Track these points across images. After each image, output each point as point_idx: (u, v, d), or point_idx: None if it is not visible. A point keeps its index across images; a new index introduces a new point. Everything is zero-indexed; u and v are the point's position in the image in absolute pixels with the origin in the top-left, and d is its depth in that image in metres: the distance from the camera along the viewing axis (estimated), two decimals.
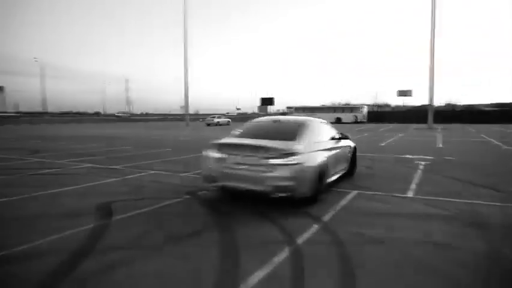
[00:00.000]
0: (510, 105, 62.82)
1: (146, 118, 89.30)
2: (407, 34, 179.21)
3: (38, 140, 20.08)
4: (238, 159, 5.45)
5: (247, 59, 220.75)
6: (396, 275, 3.26)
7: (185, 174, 8.60)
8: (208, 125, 44.92)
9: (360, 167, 10.01)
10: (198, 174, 8.53)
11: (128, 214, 5.08)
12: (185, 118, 48.79)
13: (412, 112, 59.18)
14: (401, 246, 3.90)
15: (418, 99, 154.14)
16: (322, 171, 5.86)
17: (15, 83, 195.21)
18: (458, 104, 72.83)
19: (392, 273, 3.29)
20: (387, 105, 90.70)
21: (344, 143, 7.77)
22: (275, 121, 6.97)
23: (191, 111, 54.57)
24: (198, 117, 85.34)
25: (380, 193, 6.53)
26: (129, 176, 8.26)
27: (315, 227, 4.56)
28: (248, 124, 7.16)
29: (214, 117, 47.36)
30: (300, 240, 4.08)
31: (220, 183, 5.68)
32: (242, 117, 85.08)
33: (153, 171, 8.95)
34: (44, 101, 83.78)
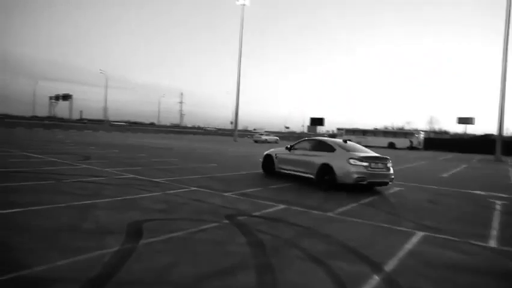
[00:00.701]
0: None
1: (196, 131, 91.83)
2: (463, 56, 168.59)
3: (93, 147, 20.90)
4: (376, 165, 9.35)
5: (298, 77, 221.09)
6: None
7: (228, 194, 8.03)
8: (256, 141, 44.76)
9: (421, 200, 8.86)
10: (241, 194, 7.92)
11: (159, 238, 4.55)
12: (233, 134, 49.15)
13: (474, 141, 54.64)
14: None
15: (480, 127, 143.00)
16: None
17: (81, 92, 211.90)
18: None
19: None
20: (445, 132, 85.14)
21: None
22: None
23: (240, 127, 54.88)
24: (246, 133, 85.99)
25: (452, 238, 5.43)
26: (169, 191, 7.87)
27: (376, 279, 3.68)
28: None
29: (262, 134, 47.21)
30: None
31: (367, 180, 9.09)
32: (290, 136, 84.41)
33: (195, 188, 8.50)
34: (105, 110, 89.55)
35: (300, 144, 11.28)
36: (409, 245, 4.90)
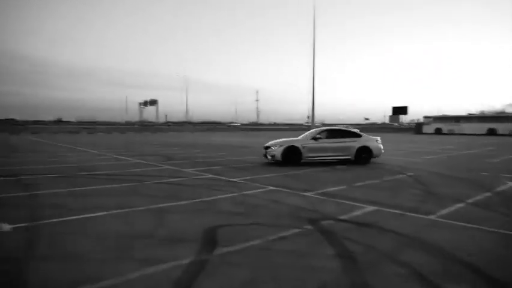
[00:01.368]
0: None
1: (273, 127, 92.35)
2: None
3: (176, 147, 21.84)
4: None
5: (377, 65, 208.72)
6: None
7: (309, 193, 7.34)
8: None
9: None
10: (322, 194, 7.18)
11: (235, 247, 4.08)
12: (311, 128, 47.99)
13: None
14: None
15: None
16: None
17: (166, 96, 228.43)
18: None
19: None
20: None
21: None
22: None
23: (316, 121, 53.44)
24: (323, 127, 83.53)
25: None
26: (246, 192, 7.46)
27: None
28: None
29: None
30: None
31: None
32: (370, 128, 79.88)
33: (273, 187, 7.98)
34: (186, 112, 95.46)
35: (322, 134, 13.10)
36: None
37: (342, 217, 5.50)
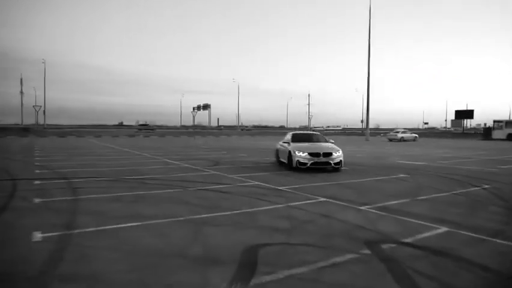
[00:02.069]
0: None
1: (326, 131, 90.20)
2: None
3: (224, 151, 21.69)
4: None
5: (438, 66, 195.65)
6: None
7: (364, 207, 6.47)
8: (391, 140, 40.54)
9: None
10: (381, 208, 6.26)
11: (277, 275, 3.41)
12: (365, 132, 45.80)
13: None
14: None
15: None
16: None
17: (218, 101, 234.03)
18: None
19: None
20: None
21: None
22: None
23: (371, 125, 50.91)
24: (378, 131, 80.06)
25: None
26: (293, 203, 6.77)
27: None
28: None
29: (398, 132, 42.46)
30: None
31: None
32: (430, 133, 74.77)
33: (323, 199, 7.21)
34: (237, 116, 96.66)
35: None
36: None
37: (406, 240, 4.60)
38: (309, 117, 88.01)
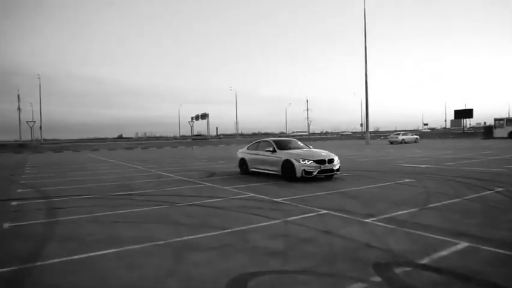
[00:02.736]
0: None
1: (324, 137, 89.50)
2: None
3: (222, 161, 21.02)
4: None
5: (436, 66, 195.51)
6: None
7: (370, 219, 5.79)
8: (391, 143, 39.88)
9: None
10: (388, 221, 5.58)
11: None
12: (365, 136, 45.18)
13: None
14: None
15: None
16: None
17: (215, 110, 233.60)
18: None
19: None
20: None
21: None
22: None
23: (370, 128, 50.27)
24: (378, 134, 79.48)
25: None
26: (291, 218, 6.09)
27: None
28: None
29: (398, 134, 41.84)
30: None
31: None
32: (431, 133, 74.12)
33: (323, 211, 6.53)
34: (236, 124, 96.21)
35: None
36: None
37: (422, 260, 3.92)
38: (308, 123, 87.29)
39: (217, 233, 5.32)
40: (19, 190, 10.54)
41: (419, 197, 7.82)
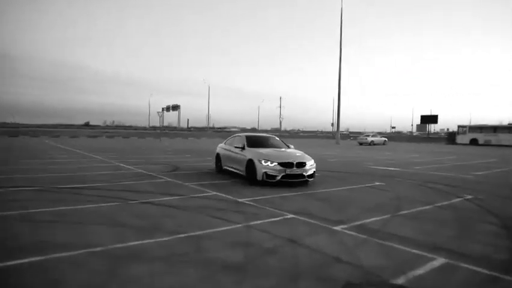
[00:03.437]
0: None
1: (295, 134, 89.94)
2: None
3: (188, 154, 20.16)
4: None
5: (405, 73, 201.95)
6: None
7: (339, 227, 5.30)
8: (361, 144, 40.38)
9: None
10: (359, 229, 5.07)
11: None
12: (335, 136, 45.51)
13: None
14: None
15: None
16: None
17: (187, 102, 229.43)
18: None
19: None
20: None
21: None
22: None
23: (341, 129, 50.76)
24: (348, 135, 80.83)
25: None
26: (254, 222, 5.50)
27: None
28: None
29: (368, 135, 42.42)
30: None
31: None
32: (397, 136, 76.26)
33: (291, 215, 5.98)
34: (207, 118, 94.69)
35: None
36: None
37: (397, 280, 3.44)
38: (280, 120, 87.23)
39: (168, 238, 4.63)
40: None
41: (390, 202, 7.46)
